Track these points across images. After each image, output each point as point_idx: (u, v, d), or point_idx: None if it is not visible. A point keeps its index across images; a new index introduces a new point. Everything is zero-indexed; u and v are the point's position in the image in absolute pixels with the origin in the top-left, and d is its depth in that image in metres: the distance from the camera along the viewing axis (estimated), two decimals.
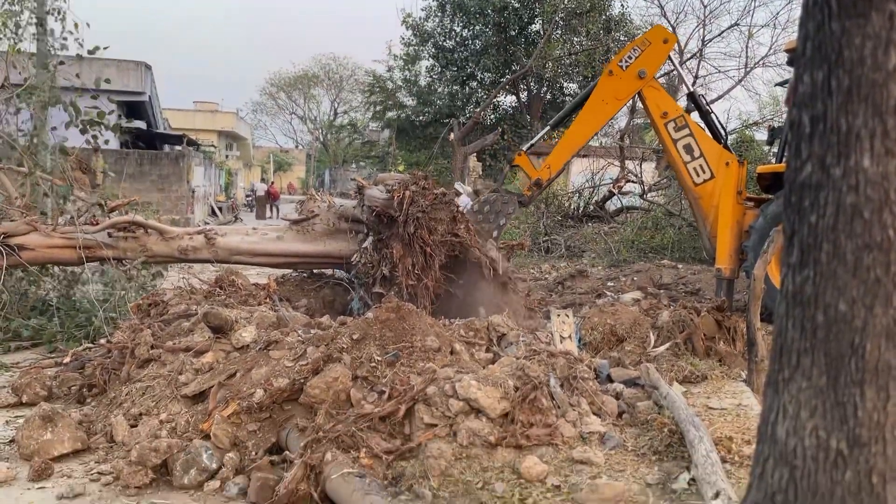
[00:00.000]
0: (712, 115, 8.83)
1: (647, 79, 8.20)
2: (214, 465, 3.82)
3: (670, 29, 24.87)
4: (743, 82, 24.93)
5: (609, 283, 10.50)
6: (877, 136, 1.52)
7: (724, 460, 3.59)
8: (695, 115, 9.26)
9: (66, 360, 6.00)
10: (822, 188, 1.60)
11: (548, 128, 9.82)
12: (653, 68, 8.25)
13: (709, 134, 8.63)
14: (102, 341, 6.19)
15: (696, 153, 8.19)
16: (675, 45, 8.45)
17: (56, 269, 8.07)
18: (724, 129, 8.81)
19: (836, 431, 1.58)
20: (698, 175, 8.22)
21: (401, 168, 30.31)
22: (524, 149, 9.05)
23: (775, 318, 1.78)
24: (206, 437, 4.00)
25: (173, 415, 4.31)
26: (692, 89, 9.32)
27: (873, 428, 1.55)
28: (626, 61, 8.28)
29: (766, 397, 1.78)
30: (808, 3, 1.64)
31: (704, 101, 9.13)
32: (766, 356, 5.35)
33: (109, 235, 7.63)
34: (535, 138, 9.70)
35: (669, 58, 8.37)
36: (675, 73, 24.22)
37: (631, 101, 9.97)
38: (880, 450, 1.54)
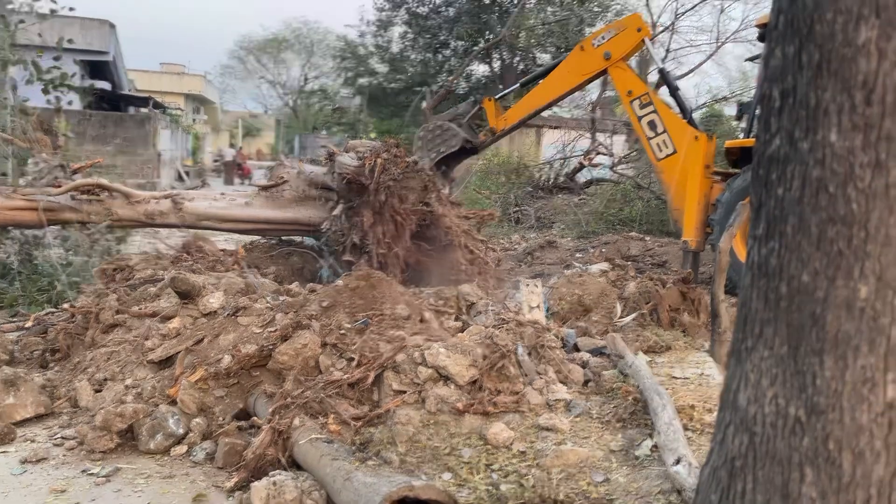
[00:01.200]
0: (679, 92, 9.08)
1: (613, 60, 8.52)
2: (181, 431, 3.81)
3: (644, 2, 24.86)
4: (714, 57, 25.04)
5: (577, 255, 10.59)
6: (844, 111, 1.54)
7: (686, 428, 3.68)
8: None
9: (29, 323, 5.90)
10: (790, 162, 1.62)
11: (517, 84, 10.16)
12: (620, 52, 8.62)
13: (677, 111, 8.82)
14: (66, 306, 6.08)
15: (660, 129, 8.47)
16: (649, 33, 8.75)
17: (17, 232, 7.89)
18: (690, 106, 9.08)
19: (795, 399, 1.63)
20: (661, 150, 8.49)
21: (372, 136, 30.02)
22: (496, 97, 9.35)
23: (740, 289, 1.81)
24: (173, 402, 3.99)
25: (139, 380, 4.28)
26: (661, 66, 9.50)
27: (831, 396, 1.59)
28: (599, 41, 8.67)
29: (729, 366, 1.82)
30: None
31: (672, 79, 9.44)
32: (729, 328, 5.46)
33: (73, 198, 7.47)
34: (507, 90, 10.20)
35: (644, 42, 8.58)
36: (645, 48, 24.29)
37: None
38: (837, 417, 1.59)
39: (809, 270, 1.59)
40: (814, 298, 1.59)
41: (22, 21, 9.11)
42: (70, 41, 9.04)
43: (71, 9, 9.28)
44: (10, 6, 9.60)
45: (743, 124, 10.00)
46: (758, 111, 8.71)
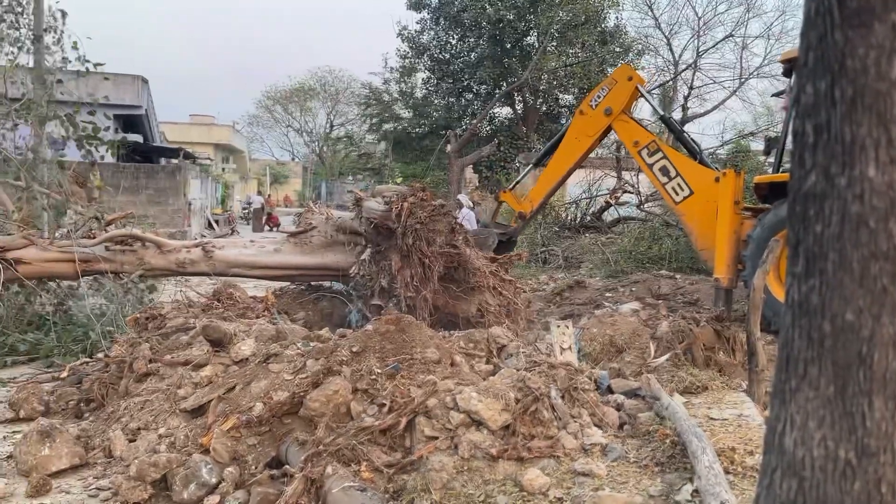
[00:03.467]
0: (685, 134, 9.27)
1: (614, 115, 8.75)
2: (214, 480, 3.79)
3: (665, 41, 25.05)
4: (738, 93, 25.08)
5: (607, 294, 10.49)
6: (881, 146, 1.52)
7: (727, 471, 3.57)
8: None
9: (64, 374, 5.98)
10: (827, 198, 1.59)
11: (531, 166, 10.62)
12: (619, 105, 8.89)
13: (685, 153, 8.95)
14: (100, 355, 6.16)
15: (673, 173, 8.57)
16: (642, 80, 8.98)
17: (53, 283, 8.05)
18: (698, 146, 9.25)
19: (844, 442, 1.57)
20: (677, 193, 8.55)
21: (398, 180, 30.34)
22: (509, 187, 9.97)
23: (781, 328, 1.77)
24: (206, 451, 3.98)
25: (172, 429, 4.29)
26: (661, 114, 9.74)
27: (882, 438, 1.54)
28: (596, 100, 8.97)
29: (772, 407, 1.77)
30: (810, 14, 1.64)
31: (675, 123, 9.75)
32: (767, 366, 5.34)
33: (107, 249, 7.62)
34: (520, 176, 10.75)
35: (639, 89, 8.75)
36: (669, 84, 24.36)
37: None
38: (889, 459, 1.53)
39: (853, 308, 1.55)
40: (859, 337, 1.55)
41: (60, 81, 9.43)
42: (106, 97, 9.34)
43: (98, 64, 9.60)
44: (47, 65, 9.96)
45: (771, 159, 9.94)
46: (788, 146, 8.66)
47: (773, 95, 13.67)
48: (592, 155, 23.15)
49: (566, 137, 9.14)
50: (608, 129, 9.13)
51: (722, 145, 20.48)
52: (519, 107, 28.76)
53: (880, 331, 1.54)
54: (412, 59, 29.43)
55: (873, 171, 1.53)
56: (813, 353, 1.64)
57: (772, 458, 1.74)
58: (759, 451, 3.82)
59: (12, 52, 9.51)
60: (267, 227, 32.75)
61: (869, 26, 1.53)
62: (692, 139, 9.27)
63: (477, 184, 28.50)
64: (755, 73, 24.51)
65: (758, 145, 18.96)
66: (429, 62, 28.96)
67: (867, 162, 1.53)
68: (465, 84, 28.44)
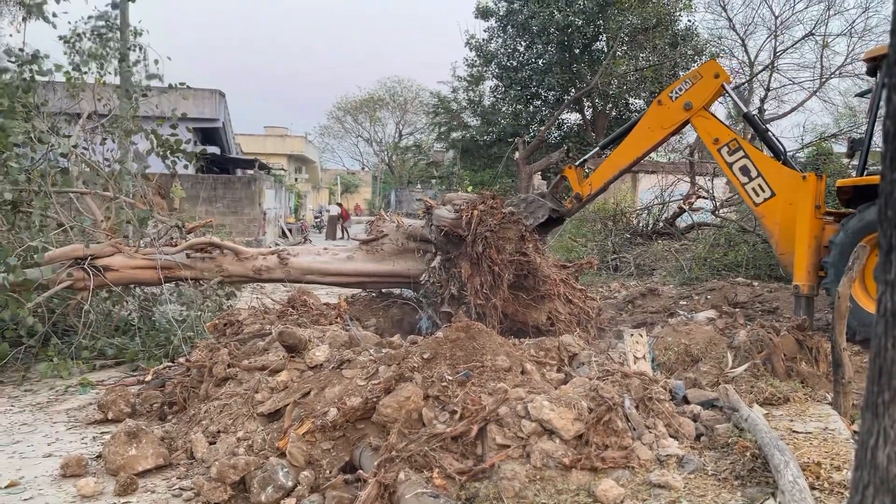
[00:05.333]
0: (769, 133, 8.78)
1: (694, 110, 8.39)
2: (290, 483, 3.88)
3: (740, 42, 24.36)
4: (818, 93, 24.16)
5: (681, 302, 10.24)
6: None
7: (812, 487, 3.43)
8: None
9: (148, 378, 6.23)
10: None
11: (597, 147, 10.14)
12: (700, 101, 8.48)
13: (769, 153, 8.55)
14: (182, 360, 6.39)
15: (754, 174, 8.19)
16: (728, 78, 8.56)
17: (137, 290, 8.41)
18: (783, 147, 8.76)
19: None
20: (758, 195, 8.19)
21: (469, 189, 30.46)
22: (576, 164, 9.35)
23: (873, 338, 1.69)
24: (282, 454, 4.07)
25: (250, 432, 4.41)
26: (745, 111, 9.26)
27: None
28: (677, 93, 8.60)
29: (864, 420, 1.69)
30: None
31: (760, 121, 9.19)
32: (853, 378, 5.11)
33: (188, 256, 7.91)
34: (587, 155, 10.04)
35: (724, 88, 8.37)
36: (745, 86, 23.65)
37: None
38: None
39: None
40: None
41: (145, 95, 9.86)
42: (184, 114, 9.73)
43: (181, 84, 10.02)
44: (132, 82, 10.45)
45: (855, 162, 9.51)
46: (873, 148, 8.25)
47: (856, 95, 13.11)
48: (665, 160, 22.64)
49: (639, 125, 8.80)
50: (685, 124, 8.82)
51: (802, 148, 19.74)
52: (588, 112, 28.45)
53: None
54: (480, 68, 29.50)
55: None
56: None
57: (864, 473, 1.67)
58: (847, 466, 3.66)
59: (100, 71, 10.01)
60: (340, 234, 33.37)
61: None
62: (777, 139, 8.85)
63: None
64: (837, 72, 23.56)
65: (840, 147, 18.20)
66: (496, 70, 28.97)
67: None
68: (534, 91, 28.32)
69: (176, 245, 8.07)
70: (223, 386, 5.15)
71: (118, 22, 10.97)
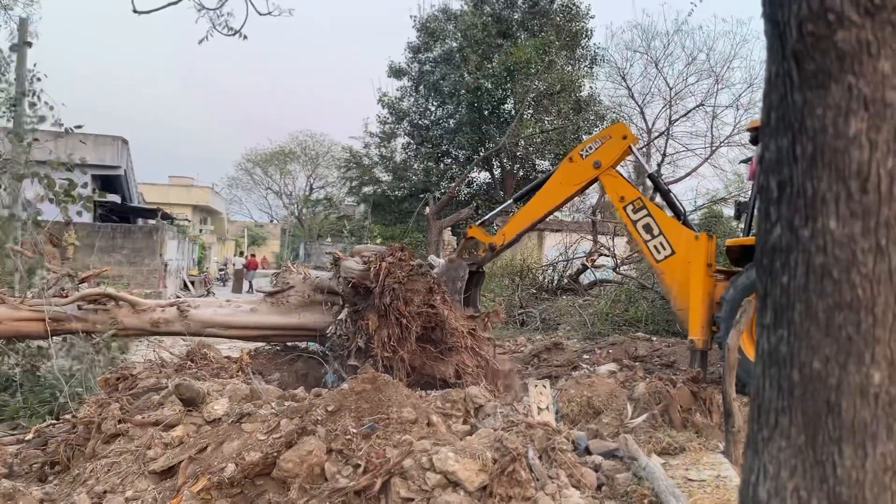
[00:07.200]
0: (671, 194, 9.29)
1: (603, 168, 8.75)
2: None
3: (638, 110, 25.79)
4: (709, 160, 25.76)
5: (584, 356, 10.49)
6: (841, 200, 1.58)
7: None
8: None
9: (29, 436, 5.79)
10: (792, 250, 1.64)
11: (509, 201, 10.42)
12: (609, 160, 8.88)
13: (669, 212, 9.02)
14: (67, 416, 6.00)
15: (656, 231, 8.60)
16: (635, 140, 9.05)
17: (21, 343, 7.88)
18: (683, 207, 9.26)
19: (816, 491, 1.58)
20: (659, 252, 8.58)
21: (378, 241, 30.44)
22: (477, 223, 9.72)
23: (752, 379, 1.79)
24: None
25: (140, 492, 4.17)
26: (650, 171, 9.83)
27: (853, 486, 1.55)
28: (587, 151, 9.00)
29: (746, 458, 1.78)
30: (771, 76, 1.73)
31: (662, 182, 9.71)
32: (743, 427, 5.34)
33: (79, 308, 7.52)
34: (490, 214, 10.45)
35: (630, 148, 8.85)
36: (643, 151, 24.97)
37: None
38: None
39: (820, 357, 1.58)
40: (827, 385, 1.57)
41: (36, 139, 9.45)
42: (82, 158, 9.35)
43: (77, 127, 9.65)
44: (26, 125, 10.01)
45: (742, 224, 10.15)
46: (757, 204, 8.88)
47: (740, 162, 14.07)
48: (569, 219, 23.42)
49: (550, 180, 9.13)
50: (593, 181, 9.20)
51: (695, 210, 20.92)
52: (497, 171, 29.22)
53: (847, 379, 1.57)
54: (392, 125, 29.93)
55: (834, 223, 1.59)
56: (783, 402, 1.66)
57: None
58: None
59: None
60: (248, 290, 32.46)
61: (826, 87, 1.62)
62: (678, 199, 9.35)
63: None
64: (725, 141, 25.26)
65: (729, 210, 19.39)
66: (408, 127, 29.48)
67: (829, 215, 1.59)
68: (444, 149, 28.92)
69: (67, 296, 7.66)
70: (112, 443, 4.85)
71: (13, 66, 10.56)
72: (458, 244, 10.09)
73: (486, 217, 10.29)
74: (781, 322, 1.67)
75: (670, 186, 10.55)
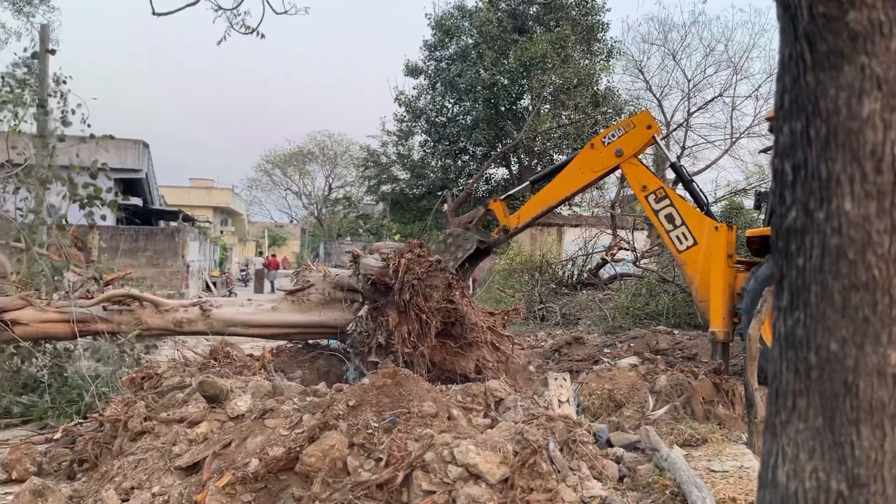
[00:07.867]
0: (694, 184, 9.15)
1: (625, 157, 8.62)
2: None
3: (656, 103, 25.60)
4: (729, 152, 25.48)
5: (605, 350, 10.45)
6: (856, 181, 1.58)
7: None
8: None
9: (57, 435, 5.91)
10: (807, 232, 1.64)
11: (528, 182, 10.21)
12: (631, 149, 8.73)
13: (692, 202, 8.90)
14: (95, 415, 6.10)
15: (678, 221, 8.48)
16: (659, 130, 8.86)
17: (49, 345, 8.01)
18: (706, 197, 9.12)
19: (835, 472, 1.58)
20: (681, 242, 8.48)
21: (396, 237, 30.53)
22: (502, 197, 9.49)
23: (770, 363, 1.79)
24: None
25: (166, 487, 4.23)
26: (673, 161, 9.68)
27: (871, 467, 1.55)
28: (609, 139, 8.83)
29: (764, 441, 1.78)
30: (784, 58, 1.72)
31: (686, 172, 9.55)
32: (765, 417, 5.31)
33: (104, 309, 7.63)
34: (514, 189, 10.09)
35: (654, 139, 8.72)
36: (663, 143, 24.81)
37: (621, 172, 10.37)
38: (880, 489, 1.54)
39: (837, 339, 1.58)
40: (844, 367, 1.57)
41: (61, 140, 9.57)
42: (105, 164, 9.44)
43: (105, 136, 9.76)
44: (49, 129, 10.13)
45: (762, 214, 10.05)
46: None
47: (760, 152, 13.92)
48: (588, 213, 23.30)
49: (570, 166, 8.98)
50: (614, 169, 9.05)
51: (715, 202, 20.73)
52: (514, 167, 29.17)
53: (864, 360, 1.57)
54: (409, 123, 29.97)
55: (849, 204, 1.58)
56: (801, 384, 1.66)
57: (766, 493, 1.74)
58: None
59: (15, 119, 9.68)
60: (269, 290, 32.69)
61: (839, 68, 1.61)
62: (701, 190, 9.22)
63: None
64: (745, 132, 24.96)
65: (750, 202, 19.19)
66: (425, 125, 29.49)
67: (843, 196, 1.59)
68: (462, 146, 28.90)
69: (92, 298, 7.77)
70: (139, 440, 4.93)
71: (38, 70, 10.71)
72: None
73: (513, 191, 10.04)
74: (797, 304, 1.67)
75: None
